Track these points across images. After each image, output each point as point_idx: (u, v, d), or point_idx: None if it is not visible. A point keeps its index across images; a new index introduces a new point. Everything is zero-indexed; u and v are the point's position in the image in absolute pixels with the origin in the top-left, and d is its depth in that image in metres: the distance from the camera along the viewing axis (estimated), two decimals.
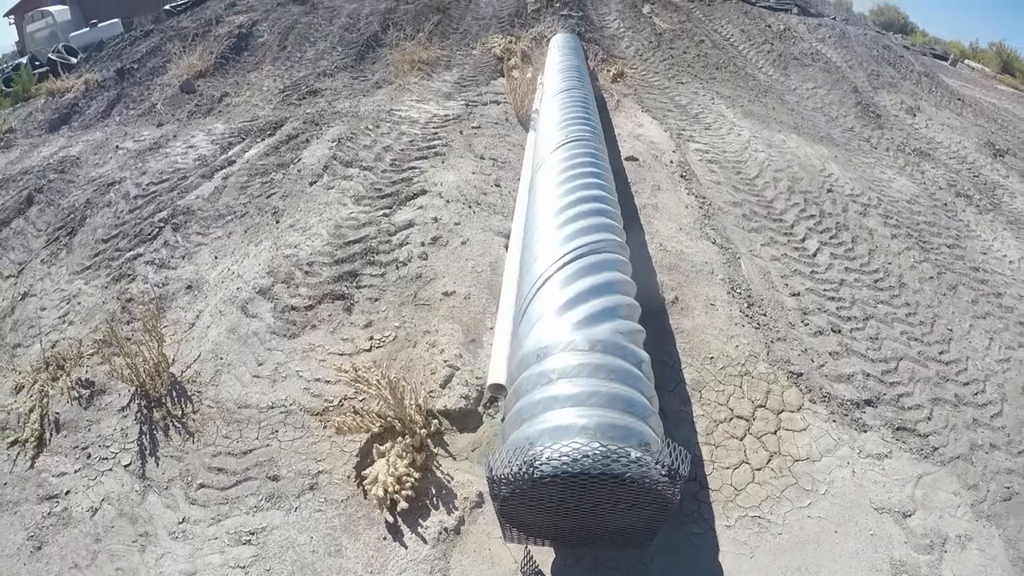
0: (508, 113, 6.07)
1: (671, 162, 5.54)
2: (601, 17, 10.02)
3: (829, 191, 5.72)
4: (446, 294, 3.49)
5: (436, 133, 5.41)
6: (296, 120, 6.14)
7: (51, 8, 26.98)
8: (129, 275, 4.22)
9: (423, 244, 3.84)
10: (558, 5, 9.42)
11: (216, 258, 4.23)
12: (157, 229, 4.65)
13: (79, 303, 4.10)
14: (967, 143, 8.15)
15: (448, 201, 4.24)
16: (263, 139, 5.84)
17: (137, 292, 4.00)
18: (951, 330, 4.09)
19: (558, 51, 7.03)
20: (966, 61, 22.82)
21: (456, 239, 3.89)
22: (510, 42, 8.25)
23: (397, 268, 3.68)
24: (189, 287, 4.00)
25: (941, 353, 3.84)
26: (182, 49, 9.53)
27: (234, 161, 5.53)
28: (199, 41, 9.85)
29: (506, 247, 3.79)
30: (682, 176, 5.31)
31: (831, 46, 11.23)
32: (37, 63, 13.71)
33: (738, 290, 4.01)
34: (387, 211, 4.19)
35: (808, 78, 9.37)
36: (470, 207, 4.23)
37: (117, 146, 6.60)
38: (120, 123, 7.61)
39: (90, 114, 8.19)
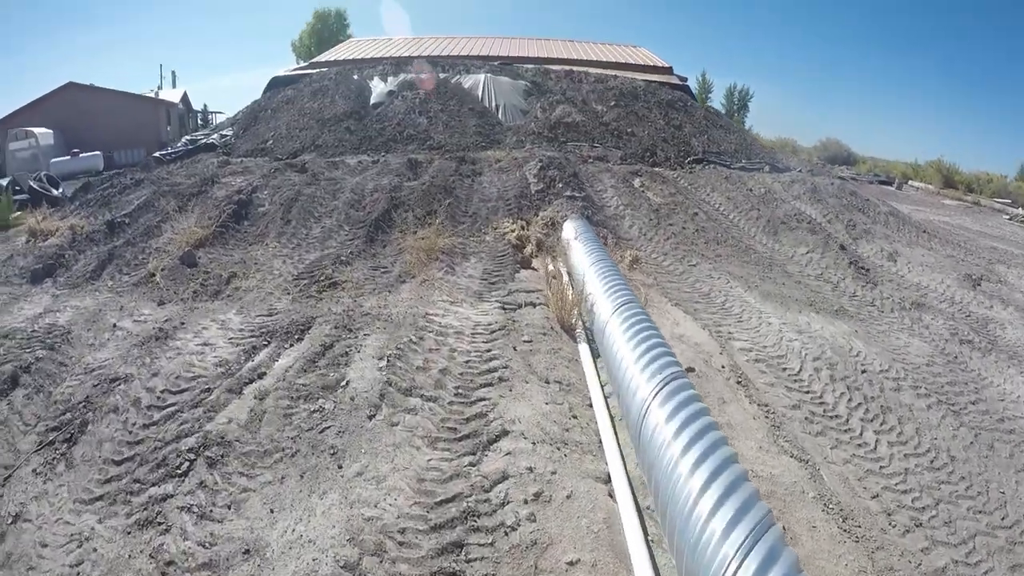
0: (549, 318, 6.06)
1: (723, 367, 5.56)
2: (599, 195, 10.51)
3: (863, 372, 5.85)
4: (570, 563, 3.25)
5: (489, 350, 5.30)
6: (325, 322, 5.79)
7: (35, 130, 27.23)
8: (160, 523, 3.53)
9: (526, 502, 3.60)
10: (560, 186, 9.87)
11: (273, 512, 3.60)
12: (187, 461, 4.00)
13: (95, 551, 3.41)
14: (948, 280, 9.17)
15: (534, 443, 4.06)
16: (291, 344, 5.48)
17: (177, 552, 3.32)
18: (1003, 492, 4.35)
19: (583, 244, 7.23)
20: (910, 182, 24.77)
21: (560, 492, 3.68)
22: (522, 227, 8.51)
23: (507, 535, 3.41)
24: (247, 552, 3.32)
25: (1003, 519, 4.08)
26: (178, 209, 9.47)
27: (265, 374, 5.16)
28: (195, 202, 9.81)
29: (610, 494, 3.66)
30: (739, 383, 5.31)
31: (807, 202, 12.06)
32: (17, 188, 13.73)
33: (830, 506, 3.96)
34: (471, 458, 3.95)
35: (799, 242, 9.94)
36: (559, 449, 4.05)
37: (115, 324, 6.06)
38: (114, 290, 7.12)
39: (78, 270, 7.71)
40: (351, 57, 19.71)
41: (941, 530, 3.88)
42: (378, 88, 15.47)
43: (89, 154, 25.13)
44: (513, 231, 8.37)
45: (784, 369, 5.74)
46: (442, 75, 15.79)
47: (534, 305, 6.37)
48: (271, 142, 13.54)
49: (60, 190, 14.87)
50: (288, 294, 6.67)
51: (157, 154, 15.61)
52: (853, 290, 8.37)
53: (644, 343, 4.29)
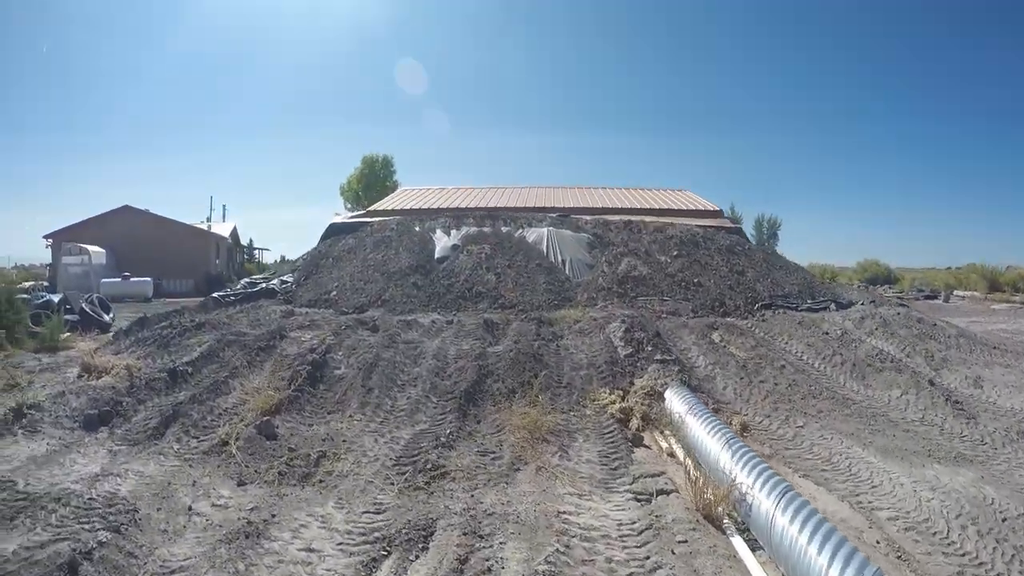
0: (689, 508, 5.55)
1: (878, 542, 5.08)
2: (684, 354, 10.21)
3: (1004, 520, 5.33)
4: None
5: (647, 556, 4.66)
6: (448, 526, 5.00)
7: (89, 247, 27.88)
8: None
9: None
10: (649, 349, 9.63)
11: None
12: None
13: None
14: None
15: None
16: (415, 555, 4.84)
17: None
18: None
19: (700, 420, 6.85)
20: (955, 292, 24.39)
21: None
22: (620, 398, 8.20)
23: None
24: None
25: None
26: (246, 364, 9.13)
27: None
28: (263, 357, 9.48)
29: None
30: (899, 557, 4.85)
31: (882, 338, 11.93)
32: (68, 307, 13.79)
33: None
34: None
35: (890, 384, 9.53)
36: None
37: (190, 506, 5.24)
38: (182, 456, 6.29)
39: (138, 424, 7.05)
40: (408, 207, 20.44)
41: None
42: (442, 241, 15.75)
43: (140, 279, 25.64)
44: (613, 403, 7.99)
45: (934, 534, 5.14)
46: (504, 228, 16.19)
47: (667, 493, 5.86)
48: (335, 293, 13.61)
49: (111, 315, 15.00)
50: (391, 483, 5.88)
51: (216, 295, 15.71)
52: (959, 430, 7.82)
53: (826, 541, 3.91)
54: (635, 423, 7.65)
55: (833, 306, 14.09)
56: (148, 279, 25.94)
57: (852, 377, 10.10)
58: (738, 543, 4.93)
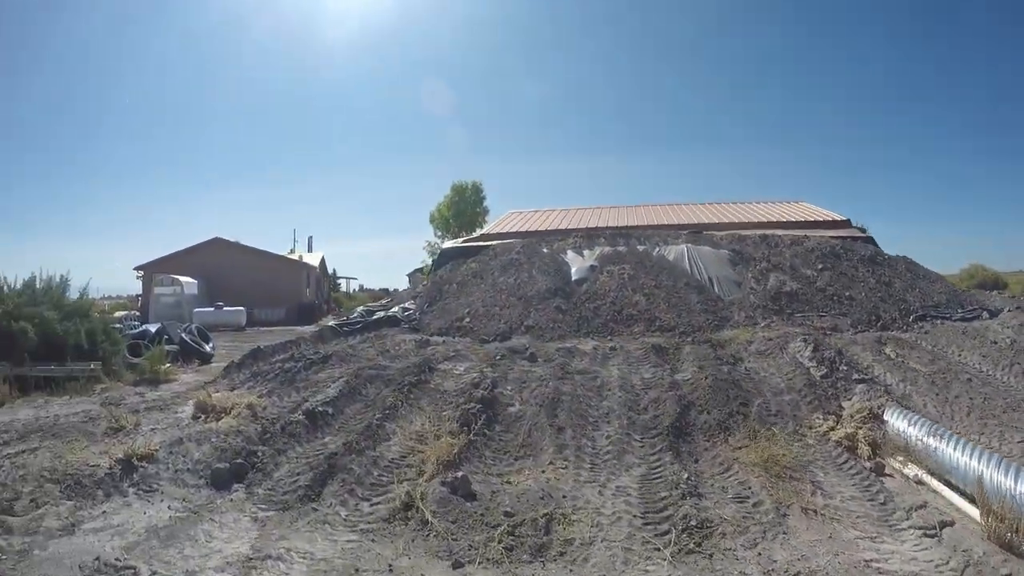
0: (984, 539, 5.29)
1: None
2: (868, 371, 10.01)
3: None
4: None
5: None
6: None
7: (181, 278, 28.90)
8: None
9: None
10: (844, 369, 9.45)
11: None
12: None
13: None
14: None
15: None
16: None
17: None
18: None
19: (953, 444, 6.62)
20: None
21: None
22: (835, 423, 8.05)
23: None
24: None
25: None
26: (398, 402, 8.12)
27: None
28: (416, 394, 8.59)
29: None
30: None
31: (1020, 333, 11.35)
32: (166, 337, 13.48)
33: None
34: None
35: None
36: None
37: None
38: (355, 526, 5.05)
39: (283, 480, 5.85)
40: (521, 229, 20.50)
41: None
42: (577, 263, 15.57)
43: (232, 308, 26.44)
44: (832, 429, 7.78)
45: None
46: (639, 247, 16.10)
47: (949, 524, 5.56)
48: (468, 320, 13.46)
49: (211, 345, 15.14)
50: (656, 549, 4.91)
51: (332, 323, 15.65)
52: None
53: None
54: (864, 450, 7.42)
55: (986, 314, 13.60)
56: (241, 308, 26.71)
57: None
58: None
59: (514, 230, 20.47)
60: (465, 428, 7.15)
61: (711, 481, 6.38)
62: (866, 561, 4.82)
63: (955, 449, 6.33)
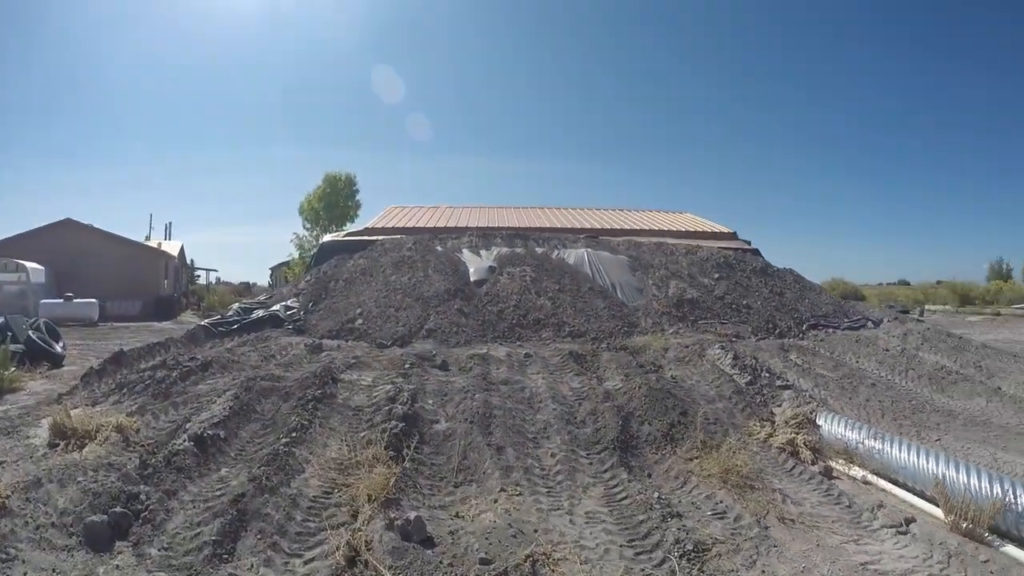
0: (945, 530, 5.40)
1: None
2: (783, 377, 10.17)
3: None
4: None
5: None
6: None
7: (27, 264, 24.80)
8: None
9: None
10: (767, 376, 9.47)
11: None
12: None
13: None
14: None
15: None
16: None
17: None
18: None
19: (897, 446, 6.76)
20: (927, 307, 26.18)
21: None
22: (771, 430, 7.96)
23: None
24: None
25: None
26: (304, 423, 6.81)
27: None
28: (325, 411, 7.37)
29: None
30: None
31: (933, 353, 12.68)
32: (10, 333, 11.16)
33: None
34: None
35: (969, 393, 10.31)
36: None
37: None
38: None
39: (179, 533, 4.50)
40: (409, 225, 19.48)
41: None
42: (474, 263, 14.86)
43: (84, 301, 23.07)
44: (771, 435, 7.74)
45: None
46: (538, 249, 15.66)
47: (912, 520, 5.68)
48: (361, 321, 12.31)
49: (61, 344, 13.01)
50: None
51: (205, 323, 13.84)
52: None
53: None
54: (806, 455, 7.38)
55: (870, 324, 14.57)
56: (94, 301, 23.47)
57: (934, 390, 10.57)
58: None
59: (400, 225, 19.43)
60: (394, 453, 6.13)
61: (676, 496, 6.03)
62: (862, 564, 4.85)
63: (900, 450, 6.60)
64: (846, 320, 14.58)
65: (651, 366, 9.75)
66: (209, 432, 6.35)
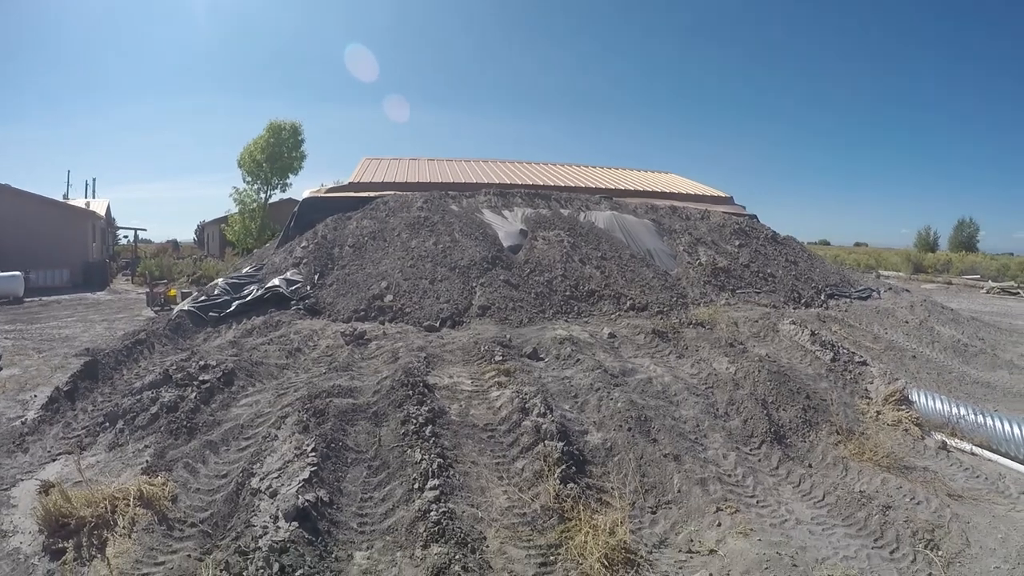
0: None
1: None
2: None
3: None
4: None
5: None
6: None
7: None
8: None
9: None
10: (846, 351, 10.68)
11: None
12: None
13: None
14: None
15: None
16: None
17: None
18: None
19: (1005, 420, 8.07)
20: (881, 273, 29.16)
21: None
22: (878, 411, 9.11)
23: None
24: None
25: None
26: (437, 457, 5.88)
27: None
28: (444, 435, 6.51)
29: None
30: None
31: (941, 324, 14.55)
32: None
33: None
34: None
35: (990, 365, 12.12)
36: None
37: None
38: None
39: None
40: (398, 179, 18.88)
41: None
42: (503, 226, 14.93)
43: (6, 274, 21.16)
44: (879, 412, 8.94)
45: None
46: (563, 211, 15.92)
47: None
48: (391, 298, 11.83)
49: None
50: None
51: (188, 307, 11.96)
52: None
53: None
54: (914, 431, 8.55)
55: (875, 294, 16.30)
56: (17, 274, 21.50)
57: (961, 362, 12.36)
58: None
59: (390, 180, 18.86)
60: (571, 484, 5.76)
61: (856, 484, 6.82)
62: None
63: (1004, 424, 8.01)
64: (853, 290, 16.23)
65: (737, 343, 10.59)
66: (309, 500, 4.91)
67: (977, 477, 7.30)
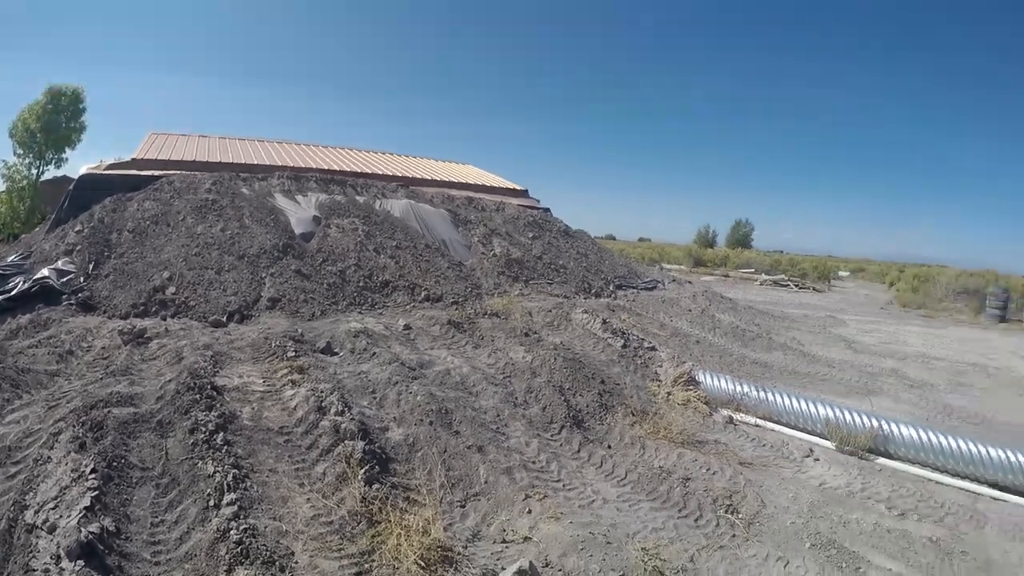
0: (840, 454, 7.22)
1: None
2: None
3: None
4: None
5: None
6: None
7: None
8: None
9: None
10: (636, 338, 11.02)
11: None
12: None
13: None
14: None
15: None
16: None
17: None
18: None
19: (784, 395, 8.76)
20: (662, 265, 31.46)
21: None
22: (668, 391, 9.45)
23: None
24: None
25: None
26: (241, 474, 5.23)
27: None
28: (237, 442, 5.82)
29: None
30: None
31: (721, 312, 15.92)
32: None
33: None
34: None
35: (767, 347, 13.72)
36: None
37: None
38: None
39: None
40: (187, 158, 16.61)
41: None
42: (295, 212, 13.64)
43: None
44: (669, 393, 9.32)
45: None
46: (358, 198, 14.99)
47: (811, 451, 7.87)
48: (173, 290, 10.48)
49: None
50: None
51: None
52: (853, 375, 11.98)
53: None
54: (703, 408, 9.09)
55: (660, 285, 17.33)
56: None
57: (740, 345, 13.61)
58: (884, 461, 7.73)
59: (179, 158, 16.59)
60: (376, 486, 5.40)
61: (654, 461, 7.10)
62: (818, 485, 6.84)
63: (783, 398, 8.97)
64: (640, 281, 17.12)
65: (532, 333, 10.61)
66: (93, 532, 4.14)
67: (764, 446, 7.96)
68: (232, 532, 4.38)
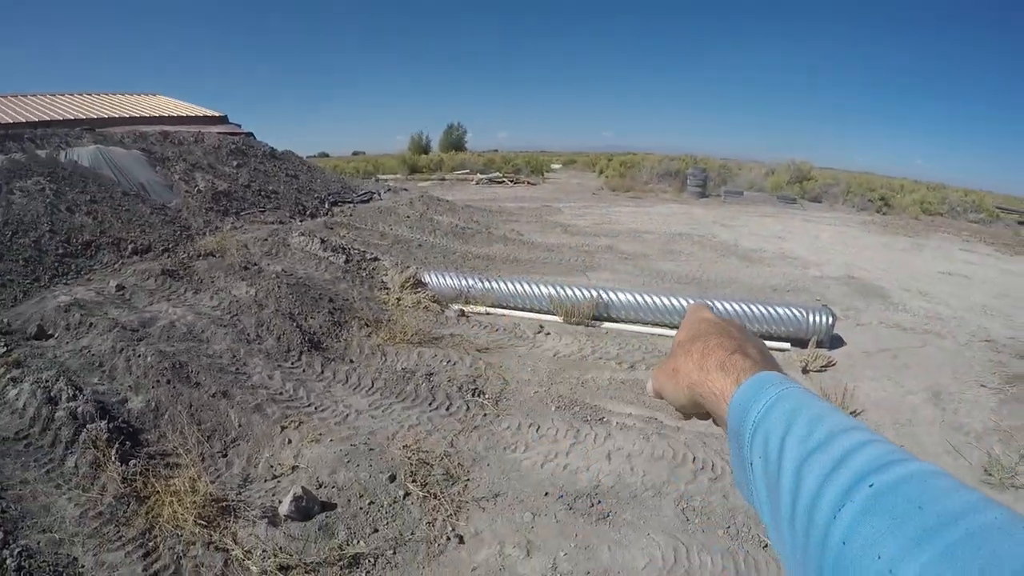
0: (566, 325, 8.80)
1: None
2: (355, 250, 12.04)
3: None
4: None
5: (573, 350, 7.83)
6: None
7: None
8: None
9: None
10: (357, 251, 11.17)
11: None
12: None
13: None
14: None
15: None
16: None
17: None
18: None
19: (502, 281, 9.65)
20: (381, 177, 31.35)
21: None
22: (397, 298, 9.85)
23: None
24: None
25: None
26: None
27: None
28: None
29: None
30: None
31: (439, 214, 16.40)
32: None
33: None
34: None
35: (487, 241, 14.74)
36: None
37: None
38: None
39: None
40: None
41: None
42: None
43: None
44: (399, 298, 9.73)
45: None
46: (39, 152, 12.58)
47: (542, 326, 8.71)
48: None
49: None
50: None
51: None
52: (571, 256, 13.13)
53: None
54: (434, 306, 9.69)
55: (376, 196, 17.45)
56: None
57: (460, 243, 14.28)
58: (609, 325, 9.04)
59: None
60: (133, 462, 5.18)
61: (399, 364, 7.53)
62: (553, 356, 7.83)
63: (508, 285, 9.77)
64: (355, 195, 17.11)
65: (252, 265, 10.29)
66: None
67: (497, 331, 8.71)
68: (8, 561, 3.99)
